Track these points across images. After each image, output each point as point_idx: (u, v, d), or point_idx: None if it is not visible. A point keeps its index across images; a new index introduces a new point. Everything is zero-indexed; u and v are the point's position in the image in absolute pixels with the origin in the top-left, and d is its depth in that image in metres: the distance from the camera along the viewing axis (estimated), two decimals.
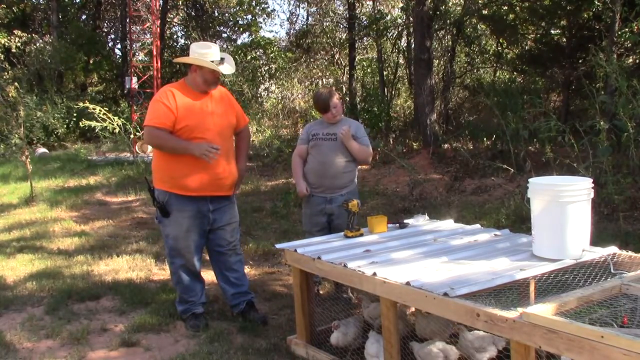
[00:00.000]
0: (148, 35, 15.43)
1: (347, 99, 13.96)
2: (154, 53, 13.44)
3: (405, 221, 3.96)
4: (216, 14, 20.98)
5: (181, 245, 3.97)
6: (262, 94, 17.82)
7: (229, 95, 4.22)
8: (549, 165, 6.30)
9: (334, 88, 4.40)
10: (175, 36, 22.12)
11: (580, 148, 6.03)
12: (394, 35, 14.52)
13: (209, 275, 4.61)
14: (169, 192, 3.91)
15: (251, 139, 4.45)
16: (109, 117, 11.58)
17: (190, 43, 4.42)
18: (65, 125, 15.89)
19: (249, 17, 19.92)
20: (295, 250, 3.44)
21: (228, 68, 4.04)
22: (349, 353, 3.32)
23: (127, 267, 5.50)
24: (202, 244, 4.08)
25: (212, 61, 3.89)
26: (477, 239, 3.47)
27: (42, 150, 14.58)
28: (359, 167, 4.57)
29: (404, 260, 3.09)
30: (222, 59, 3.99)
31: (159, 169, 4.01)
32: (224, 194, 4.04)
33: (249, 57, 17.24)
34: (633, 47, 8.88)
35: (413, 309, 3.78)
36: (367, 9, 15.82)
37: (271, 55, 17.44)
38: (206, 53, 3.93)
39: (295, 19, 18.83)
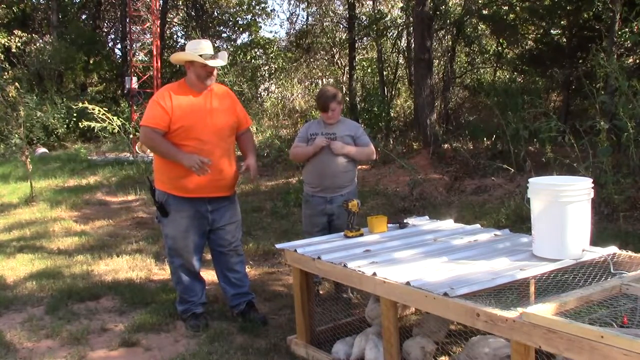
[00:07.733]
0: (148, 35, 15.42)
1: (347, 99, 13.95)
2: (154, 53, 13.43)
3: (405, 221, 3.96)
4: (216, 14, 20.93)
5: (180, 245, 3.97)
6: (262, 94, 17.82)
7: (232, 95, 4.20)
8: (549, 165, 6.30)
9: (339, 93, 4.41)
10: (175, 36, 22.09)
11: (580, 148, 6.03)
12: (394, 35, 14.52)
13: (209, 275, 4.61)
14: (168, 193, 3.92)
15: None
16: (108, 118, 11.57)
17: None
18: (65, 125, 15.87)
19: (249, 17, 19.89)
20: (295, 250, 3.44)
21: (219, 61, 3.96)
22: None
23: (127, 267, 5.50)
24: (201, 244, 4.08)
25: (201, 55, 3.85)
26: (477, 239, 3.47)
27: (42, 150, 14.57)
28: (360, 166, 4.57)
29: (404, 260, 3.09)
30: (215, 54, 3.96)
31: (159, 170, 4.01)
32: (223, 194, 4.03)
33: (248, 57, 17.23)
34: (633, 47, 8.88)
35: (413, 309, 3.79)
36: (367, 9, 15.82)
37: (271, 55, 17.44)
38: (196, 49, 3.92)
39: (295, 19, 18.85)
